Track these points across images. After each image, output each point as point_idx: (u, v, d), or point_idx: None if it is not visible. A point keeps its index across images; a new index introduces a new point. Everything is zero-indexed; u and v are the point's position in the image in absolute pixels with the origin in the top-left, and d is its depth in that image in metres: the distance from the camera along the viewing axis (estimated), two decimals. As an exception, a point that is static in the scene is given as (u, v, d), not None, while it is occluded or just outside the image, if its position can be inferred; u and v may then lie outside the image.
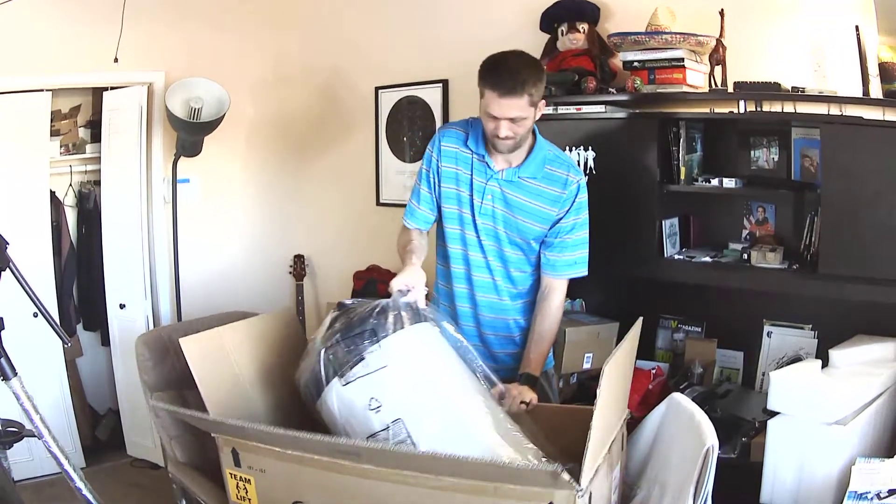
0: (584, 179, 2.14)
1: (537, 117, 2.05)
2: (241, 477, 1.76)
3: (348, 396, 1.67)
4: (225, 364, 2.13)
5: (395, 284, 1.93)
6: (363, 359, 1.67)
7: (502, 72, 1.95)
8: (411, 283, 1.94)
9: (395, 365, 1.68)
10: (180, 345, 2.04)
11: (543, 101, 2.05)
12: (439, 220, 2.24)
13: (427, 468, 1.46)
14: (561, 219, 2.12)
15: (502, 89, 1.93)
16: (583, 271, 2.17)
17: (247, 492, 1.76)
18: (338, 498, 1.60)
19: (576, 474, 1.36)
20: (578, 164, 2.82)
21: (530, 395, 1.98)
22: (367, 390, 1.65)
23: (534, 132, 2.13)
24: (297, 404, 2.31)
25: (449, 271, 2.23)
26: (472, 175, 2.14)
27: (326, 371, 1.70)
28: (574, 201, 2.11)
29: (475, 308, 2.21)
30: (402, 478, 1.49)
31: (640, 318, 1.88)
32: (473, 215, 2.15)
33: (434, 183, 2.19)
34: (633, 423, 2.04)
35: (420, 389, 1.70)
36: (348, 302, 1.87)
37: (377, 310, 1.77)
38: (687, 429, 1.78)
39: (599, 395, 1.43)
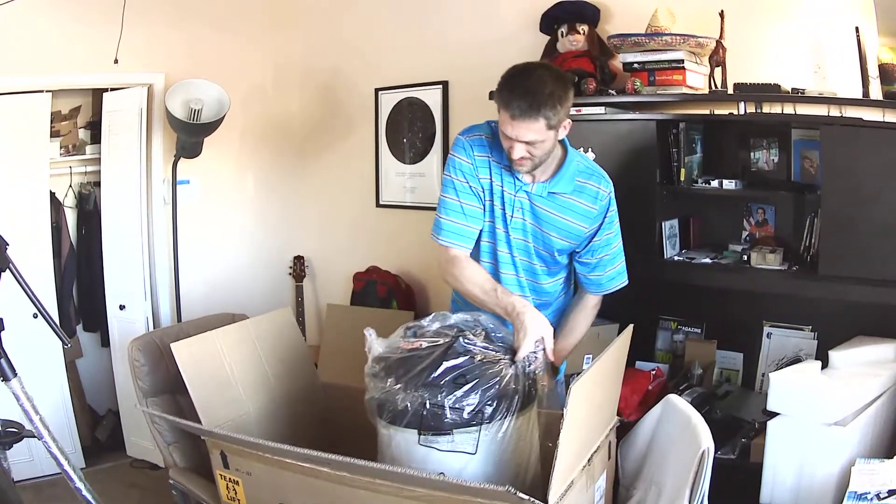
0: (613, 190, 2.05)
1: (560, 137, 1.92)
2: (229, 478, 1.80)
3: (419, 455, 1.55)
4: (217, 367, 2.14)
5: (528, 346, 1.66)
6: (451, 434, 1.52)
7: (518, 91, 1.79)
8: (545, 333, 1.71)
9: (480, 456, 1.55)
10: (172, 350, 2.04)
11: (568, 122, 1.90)
12: None
13: (399, 479, 1.47)
14: (594, 235, 2.03)
15: (515, 111, 1.79)
16: (624, 281, 2.12)
17: (236, 493, 1.80)
18: (318, 502, 1.62)
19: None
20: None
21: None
22: (439, 463, 1.54)
23: (563, 144, 2.02)
24: (289, 406, 2.33)
25: None
26: (502, 187, 2.01)
27: (407, 416, 1.54)
28: (606, 216, 2.03)
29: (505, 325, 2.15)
30: (376, 486, 1.51)
31: (631, 326, 1.87)
32: (507, 230, 2.04)
33: (479, 194, 2.01)
34: (631, 425, 2.04)
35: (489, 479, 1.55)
36: (471, 345, 1.58)
37: (498, 380, 1.55)
38: (683, 431, 1.78)
39: (566, 417, 1.39)
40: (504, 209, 2.03)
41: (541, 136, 1.83)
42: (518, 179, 2.01)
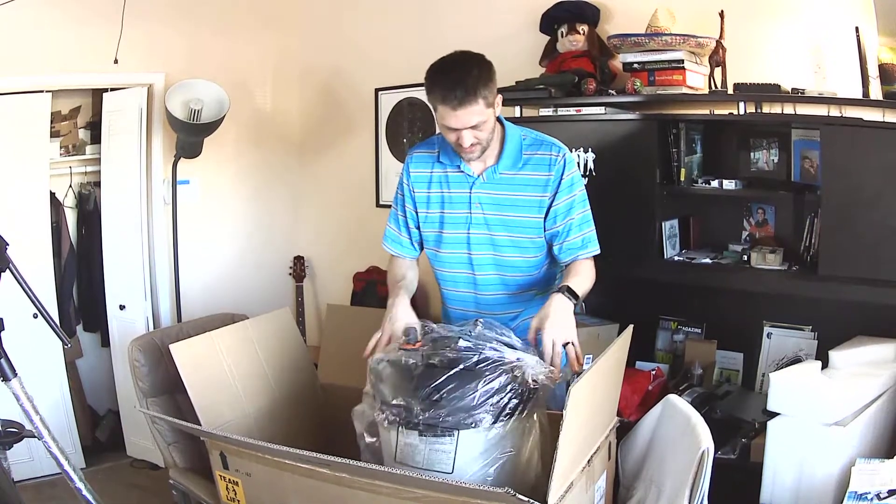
0: (570, 154, 2.04)
1: (497, 113, 1.98)
2: (229, 479, 1.80)
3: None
4: (217, 368, 2.14)
5: (383, 336, 1.88)
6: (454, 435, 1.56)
7: (449, 83, 1.87)
8: (397, 324, 1.89)
9: (480, 458, 1.57)
10: (171, 351, 2.04)
11: (500, 96, 1.96)
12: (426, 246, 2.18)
13: (399, 480, 1.47)
14: (552, 202, 2.01)
15: (455, 101, 1.86)
16: (594, 250, 2.06)
17: (235, 493, 1.80)
18: (318, 503, 1.62)
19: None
20: (578, 166, 2.82)
21: (562, 337, 1.78)
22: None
23: (501, 122, 2.05)
24: (289, 407, 2.33)
25: (456, 294, 2.17)
26: (451, 191, 2.07)
27: (419, 422, 1.57)
28: (561, 180, 2.00)
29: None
30: (376, 488, 1.50)
31: (631, 326, 1.87)
32: (462, 231, 2.07)
33: (412, 209, 2.14)
34: (631, 425, 2.04)
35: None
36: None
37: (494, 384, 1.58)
38: (683, 431, 1.78)
39: (566, 417, 1.39)
40: (455, 212, 2.07)
41: (483, 117, 1.90)
42: (468, 176, 2.04)
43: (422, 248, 2.20)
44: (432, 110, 1.97)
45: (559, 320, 1.81)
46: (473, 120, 1.89)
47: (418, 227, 2.16)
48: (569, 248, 2.04)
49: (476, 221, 2.06)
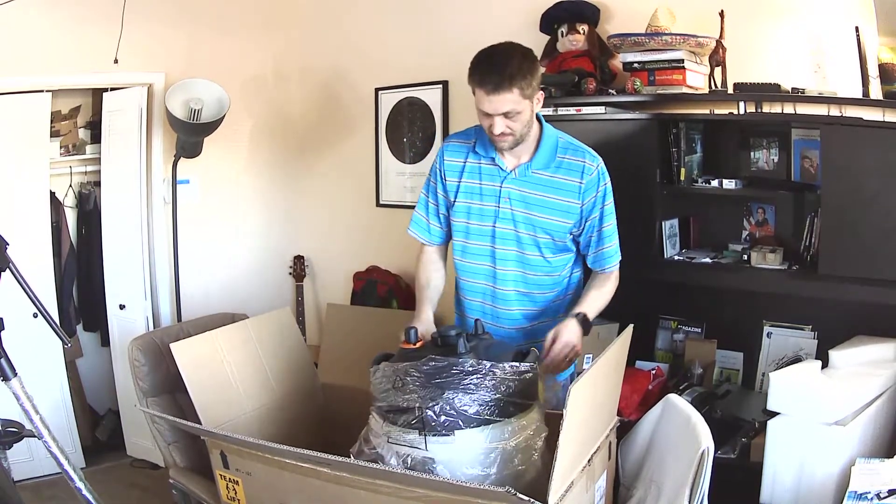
0: (603, 164, 2.07)
1: (536, 109, 2.00)
2: (229, 478, 1.80)
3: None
4: (217, 367, 2.15)
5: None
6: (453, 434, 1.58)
7: (489, 67, 1.90)
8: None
9: (481, 458, 1.58)
10: (171, 350, 2.05)
11: (541, 93, 1.99)
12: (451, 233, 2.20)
13: (399, 480, 1.47)
14: (590, 213, 2.05)
15: (490, 85, 1.88)
16: (614, 262, 2.11)
17: (236, 493, 1.80)
18: (318, 502, 1.62)
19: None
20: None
21: (572, 341, 1.94)
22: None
23: (540, 121, 2.07)
24: (289, 406, 2.34)
25: (474, 286, 2.18)
26: (481, 183, 2.09)
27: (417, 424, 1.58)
28: (597, 190, 2.04)
29: (496, 321, 2.16)
30: (377, 487, 1.51)
31: (631, 326, 1.87)
32: (488, 224, 2.09)
33: (442, 196, 2.16)
34: (631, 425, 2.04)
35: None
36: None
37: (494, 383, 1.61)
38: (683, 431, 1.79)
39: (566, 417, 1.39)
40: (483, 203, 2.09)
41: (518, 107, 1.91)
42: (501, 170, 2.06)
43: (450, 237, 2.21)
44: (473, 94, 1.98)
45: (570, 334, 1.96)
46: (506, 107, 1.91)
47: (448, 215, 2.17)
48: (596, 258, 2.11)
49: (503, 216, 2.08)
